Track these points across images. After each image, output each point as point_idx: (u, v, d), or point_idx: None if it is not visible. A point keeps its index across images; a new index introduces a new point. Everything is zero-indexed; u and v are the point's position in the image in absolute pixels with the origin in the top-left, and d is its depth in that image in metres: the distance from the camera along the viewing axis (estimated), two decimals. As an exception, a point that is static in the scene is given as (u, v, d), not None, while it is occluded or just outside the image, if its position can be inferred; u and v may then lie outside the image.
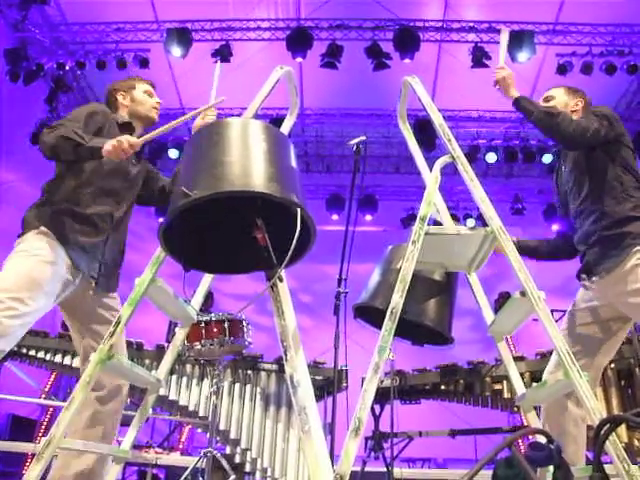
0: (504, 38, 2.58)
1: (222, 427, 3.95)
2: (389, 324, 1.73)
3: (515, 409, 4.21)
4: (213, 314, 3.58)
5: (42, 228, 2.15)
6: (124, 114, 2.47)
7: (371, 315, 2.45)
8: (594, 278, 2.34)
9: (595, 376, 2.37)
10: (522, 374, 3.77)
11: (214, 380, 3.52)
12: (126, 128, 2.39)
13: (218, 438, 3.95)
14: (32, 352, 4.30)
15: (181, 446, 6.04)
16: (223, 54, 7.21)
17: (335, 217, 9.21)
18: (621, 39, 7.37)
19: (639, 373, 3.35)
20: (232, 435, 3.95)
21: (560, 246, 2.64)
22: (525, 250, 2.57)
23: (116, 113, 2.45)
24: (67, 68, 7.82)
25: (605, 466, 1.19)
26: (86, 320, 2.30)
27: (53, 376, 6.16)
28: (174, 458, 4.54)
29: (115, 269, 2.41)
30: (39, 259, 2.07)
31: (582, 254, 2.43)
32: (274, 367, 4.18)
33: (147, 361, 4.17)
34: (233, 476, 3.37)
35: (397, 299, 1.78)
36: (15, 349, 4.28)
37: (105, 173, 2.30)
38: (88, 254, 2.25)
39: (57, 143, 2.07)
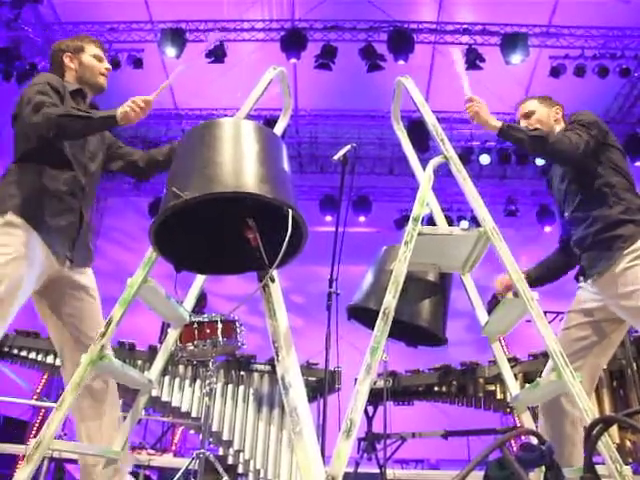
0: (459, 60, 2.52)
1: (215, 428, 3.93)
2: (381, 325, 1.73)
3: (508, 410, 4.21)
4: (206, 315, 3.56)
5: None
6: (71, 79, 2.34)
7: (365, 316, 2.45)
8: (589, 281, 2.37)
9: (591, 377, 2.38)
10: (515, 375, 3.77)
11: (207, 381, 3.51)
12: (78, 95, 2.28)
13: (211, 439, 3.93)
14: (24, 353, 4.26)
15: (174, 447, 6.03)
16: (217, 55, 7.19)
17: (329, 218, 9.19)
18: (613, 42, 7.42)
19: (631, 374, 3.37)
20: (225, 436, 3.94)
21: (564, 260, 2.62)
22: (537, 280, 2.58)
23: (63, 77, 2.32)
24: (60, 68, 7.77)
25: (597, 467, 1.19)
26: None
27: (45, 377, 6.12)
28: (167, 459, 4.52)
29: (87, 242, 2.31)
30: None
31: (579, 257, 2.45)
32: (267, 368, 4.17)
33: (139, 362, 4.15)
34: (226, 477, 3.35)
35: (390, 300, 1.77)
36: (6, 350, 4.25)
37: (68, 147, 2.19)
38: (62, 235, 2.15)
39: (61, 122, 1.95)
